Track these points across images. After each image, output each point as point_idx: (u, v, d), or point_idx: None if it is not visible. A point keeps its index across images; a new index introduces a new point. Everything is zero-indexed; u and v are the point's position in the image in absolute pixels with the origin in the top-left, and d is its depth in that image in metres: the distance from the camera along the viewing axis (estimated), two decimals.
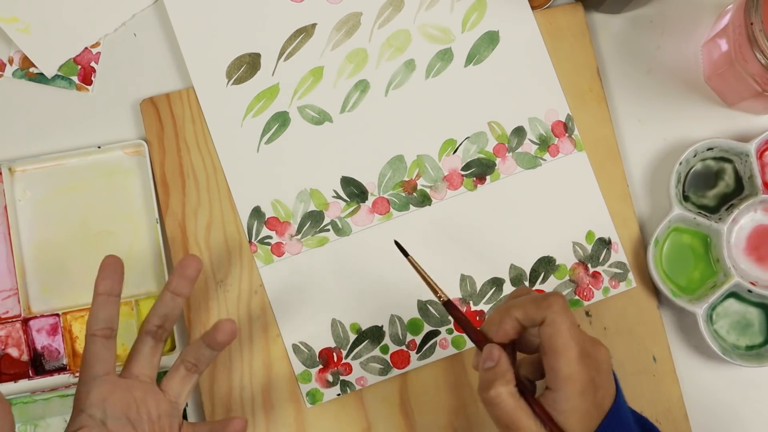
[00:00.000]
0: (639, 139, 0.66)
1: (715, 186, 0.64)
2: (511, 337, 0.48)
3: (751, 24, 0.54)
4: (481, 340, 0.49)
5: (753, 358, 0.62)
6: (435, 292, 0.52)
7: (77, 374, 0.63)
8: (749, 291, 0.62)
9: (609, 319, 0.64)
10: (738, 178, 0.64)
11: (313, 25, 0.64)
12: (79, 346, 0.64)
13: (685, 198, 0.64)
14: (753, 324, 0.63)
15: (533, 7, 0.65)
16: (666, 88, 0.66)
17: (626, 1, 0.63)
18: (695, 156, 0.64)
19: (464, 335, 0.63)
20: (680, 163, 0.63)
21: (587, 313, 0.64)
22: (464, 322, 0.50)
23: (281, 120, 0.64)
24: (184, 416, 0.63)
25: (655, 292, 0.64)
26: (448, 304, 0.52)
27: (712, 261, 0.64)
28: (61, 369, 0.64)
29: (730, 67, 0.60)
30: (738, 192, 0.64)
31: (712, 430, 0.64)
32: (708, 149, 0.64)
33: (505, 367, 0.46)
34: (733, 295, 0.63)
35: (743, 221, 0.64)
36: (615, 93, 0.66)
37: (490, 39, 0.65)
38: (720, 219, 0.63)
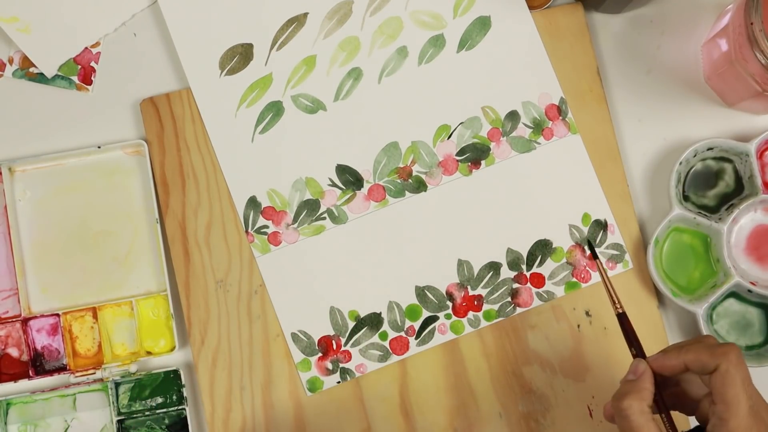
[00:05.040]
0: (639, 139, 0.66)
1: (715, 186, 0.64)
2: (669, 371, 0.48)
3: (751, 24, 0.54)
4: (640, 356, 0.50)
5: (753, 358, 0.62)
6: (613, 302, 0.53)
7: (77, 374, 0.63)
8: (749, 291, 0.62)
9: (609, 319, 0.64)
10: (738, 178, 0.64)
11: (305, 14, 0.65)
12: (79, 346, 0.64)
13: (685, 198, 0.64)
14: (753, 324, 0.63)
15: (533, 8, 0.65)
16: (666, 88, 0.66)
17: (626, 1, 0.63)
18: (695, 156, 0.64)
19: (463, 320, 0.63)
20: (680, 163, 0.63)
21: (587, 313, 0.64)
22: (633, 337, 0.51)
23: (275, 109, 0.64)
24: (185, 421, 0.63)
25: (655, 292, 0.64)
26: (622, 317, 0.52)
27: (712, 261, 0.64)
28: (61, 369, 0.64)
29: (730, 67, 0.60)
30: (738, 192, 0.64)
31: None
32: (708, 149, 0.64)
33: (645, 385, 0.47)
34: (733, 295, 0.63)
35: (743, 221, 0.64)
36: (615, 93, 0.66)
37: (482, 24, 0.65)
38: (720, 219, 0.63)
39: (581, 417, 0.63)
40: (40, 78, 0.66)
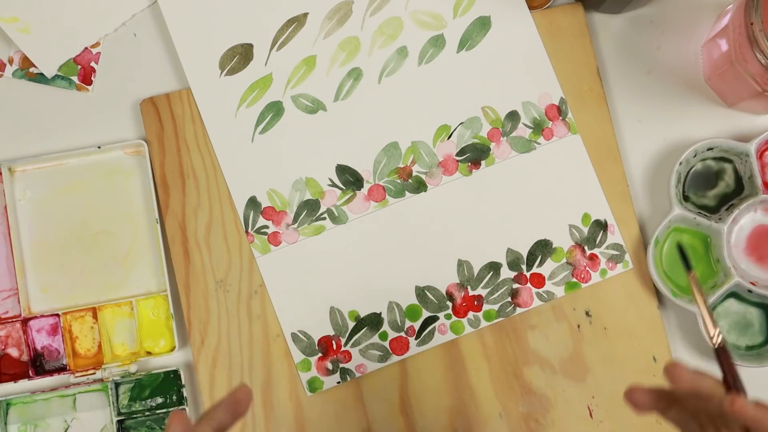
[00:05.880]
0: (639, 139, 0.66)
1: (715, 186, 0.64)
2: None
3: (751, 24, 0.54)
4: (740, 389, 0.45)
5: (753, 358, 0.62)
6: (708, 332, 0.47)
7: (77, 374, 0.63)
8: (749, 291, 0.62)
9: (609, 319, 0.64)
10: (738, 178, 0.64)
11: (305, 15, 0.65)
12: (79, 346, 0.64)
13: (685, 198, 0.64)
14: (753, 324, 0.63)
15: (533, 8, 0.65)
16: (666, 88, 0.66)
17: (626, 1, 0.63)
18: (695, 156, 0.64)
19: (463, 320, 0.63)
20: (680, 163, 0.63)
21: (587, 313, 0.64)
22: (734, 372, 0.45)
23: (275, 109, 0.64)
24: None
25: (655, 292, 0.64)
26: (721, 351, 0.46)
27: (713, 261, 0.64)
28: (61, 369, 0.64)
29: (730, 67, 0.60)
30: (738, 192, 0.64)
31: None
32: (708, 149, 0.64)
33: None
34: (733, 295, 0.63)
35: (743, 221, 0.64)
36: (615, 93, 0.66)
37: (482, 24, 0.65)
38: (720, 219, 0.63)
39: (581, 417, 0.63)
40: (40, 78, 0.65)
